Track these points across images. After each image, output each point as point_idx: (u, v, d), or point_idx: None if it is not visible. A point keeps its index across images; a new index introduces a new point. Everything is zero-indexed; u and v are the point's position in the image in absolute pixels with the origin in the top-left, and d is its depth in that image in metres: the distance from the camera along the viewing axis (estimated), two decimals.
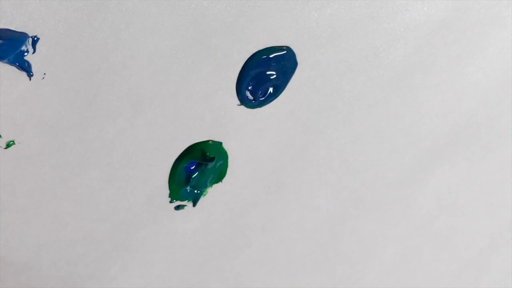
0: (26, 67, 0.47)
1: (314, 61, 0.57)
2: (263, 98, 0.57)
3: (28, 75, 0.48)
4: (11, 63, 0.47)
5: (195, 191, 0.61)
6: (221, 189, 0.62)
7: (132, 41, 0.49)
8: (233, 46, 0.54)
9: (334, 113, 0.62)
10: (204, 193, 0.62)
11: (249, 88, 0.56)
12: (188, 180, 0.59)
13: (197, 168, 0.59)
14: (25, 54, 0.47)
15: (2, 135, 0.50)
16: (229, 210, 0.64)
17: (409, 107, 0.65)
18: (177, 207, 0.61)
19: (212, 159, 0.58)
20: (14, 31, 0.46)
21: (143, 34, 0.49)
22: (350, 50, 0.58)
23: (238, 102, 0.57)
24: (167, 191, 0.60)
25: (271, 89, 0.57)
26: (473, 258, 0.86)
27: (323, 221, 0.71)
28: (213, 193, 0.62)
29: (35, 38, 0.47)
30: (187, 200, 0.61)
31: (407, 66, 0.61)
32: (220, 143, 0.59)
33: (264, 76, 0.56)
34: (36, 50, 0.47)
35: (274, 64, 0.56)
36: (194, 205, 0.62)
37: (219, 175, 0.61)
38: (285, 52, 0.55)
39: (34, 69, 0.48)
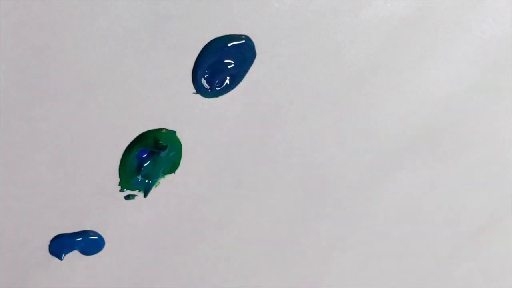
0: None
1: (274, 53, 0.56)
2: (219, 88, 0.56)
3: None
4: None
5: (147, 181, 0.59)
6: (174, 180, 0.61)
7: (84, 18, 0.48)
8: (190, 32, 0.52)
9: (293, 108, 0.61)
10: (156, 183, 0.60)
11: (205, 76, 0.55)
12: (139, 168, 0.58)
13: (149, 157, 0.58)
14: None
15: None
16: (182, 203, 0.63)
17: (370, 107, 0.64)
18: (128, 197, 0.60)
19: (164, 147, 0.57)
20: None
21: (96, 11, 0.48)
22: (311, 44, 0.57)
23: (194, 91, 0.55)
24: (117, 179, 0.58)
25: (228, 79, 0.56)
26: (433, 267, 0.85)
27: (280, 220, 0.70)
28: (166, 185, 0.61)
29: None
30: (138, 190, 0.60)
31: (369, 64, 0.60)
32: (174, 132, 0.57)
33: (221, 64, 0.55)
34: None
35: (232, 53, 0.54)
36: (145, 195, 0.60)
37: (172, 166, 0.60)
38: (243, 41, 0.54)
39: None
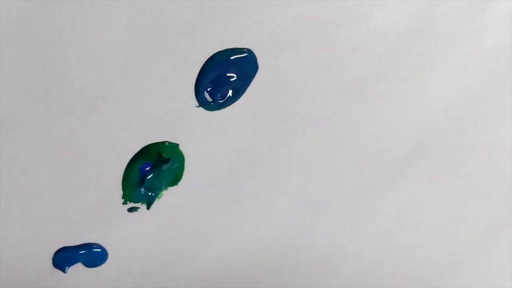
0: None
1: (275, 66, 0.56)
2: (222, 101, 0.56)
3: None
4: None
5: (150, 193, 0.60)
6: (176, 192, 0.61)
7: (87, 35, 0.48)
8: (192, 46, 0.53)
9: (295, 120, 0.61)
10: (159, 196, 0.60)
11: (208, 89, 0.55)
12: (142, 181, 0.58)
13: (152, 170, 0.58)
14: None
15: None
16: (184, 215, 0.63)
17: (370, 118, 0.64)
18: (131, 209, 0.60)
19: (167, 161, 0.57)
20: None
21: (99, 28, 0.48)
22: (312, 57, 0.57)
23: (197, 104, 0.56)
24: (121, 192, 0.58)
25: (230, 92, 0.56)
26: (432, 276, 0.85)
27: (281, 231, 0.70)
28: (168, 197, 0.61)
29: None
30: (141, 203, 0.60)
31: (370, 75, 0.61)
32: (177, 145, 0.58)
33: (224, 78, 0.55)
34: None
35: (234, 66, 0.55)
36: (148, 207, 0.60)
37: (175, 178, 0.60)
38: (246, 54, 0.55)
39: None
